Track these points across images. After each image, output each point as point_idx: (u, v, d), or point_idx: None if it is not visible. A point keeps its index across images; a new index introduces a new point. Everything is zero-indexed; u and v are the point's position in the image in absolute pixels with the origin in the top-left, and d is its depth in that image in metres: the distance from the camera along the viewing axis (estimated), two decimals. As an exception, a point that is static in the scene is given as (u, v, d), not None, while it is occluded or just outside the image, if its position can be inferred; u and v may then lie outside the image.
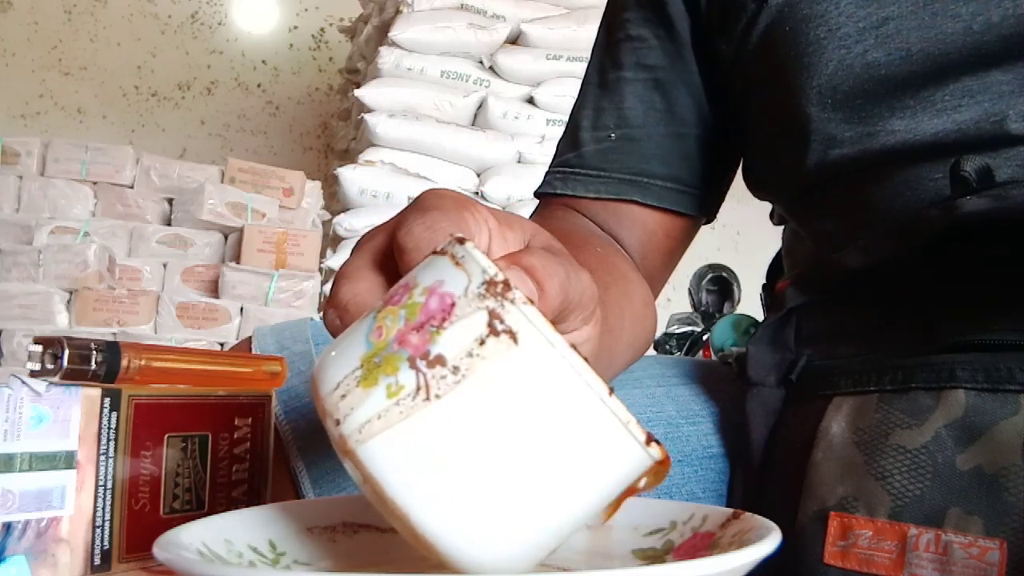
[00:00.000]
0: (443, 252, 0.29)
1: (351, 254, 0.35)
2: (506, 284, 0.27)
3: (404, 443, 0.26)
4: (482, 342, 0.26)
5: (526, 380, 0.27)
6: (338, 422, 0.27)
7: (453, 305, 0.27)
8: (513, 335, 0.27)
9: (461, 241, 0.29)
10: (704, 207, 0.64)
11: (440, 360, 0.26)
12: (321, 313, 2.39)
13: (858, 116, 0.50)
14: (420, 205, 0.33)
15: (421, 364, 0.27)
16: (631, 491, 0.30)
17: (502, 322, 0.27)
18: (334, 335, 0.33)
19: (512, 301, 0.27)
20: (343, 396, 0.27)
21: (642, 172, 0.61)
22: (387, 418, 0.26)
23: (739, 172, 0.66)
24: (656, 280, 0.65)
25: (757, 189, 0.62)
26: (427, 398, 0.26)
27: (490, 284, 0.27)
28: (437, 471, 0.26)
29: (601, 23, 0.67)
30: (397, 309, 0.28)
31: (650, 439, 0.28)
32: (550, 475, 0.27)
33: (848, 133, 0.50)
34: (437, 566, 0.28)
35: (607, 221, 0.63)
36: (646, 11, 0.62)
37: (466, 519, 0.27)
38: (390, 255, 0.33)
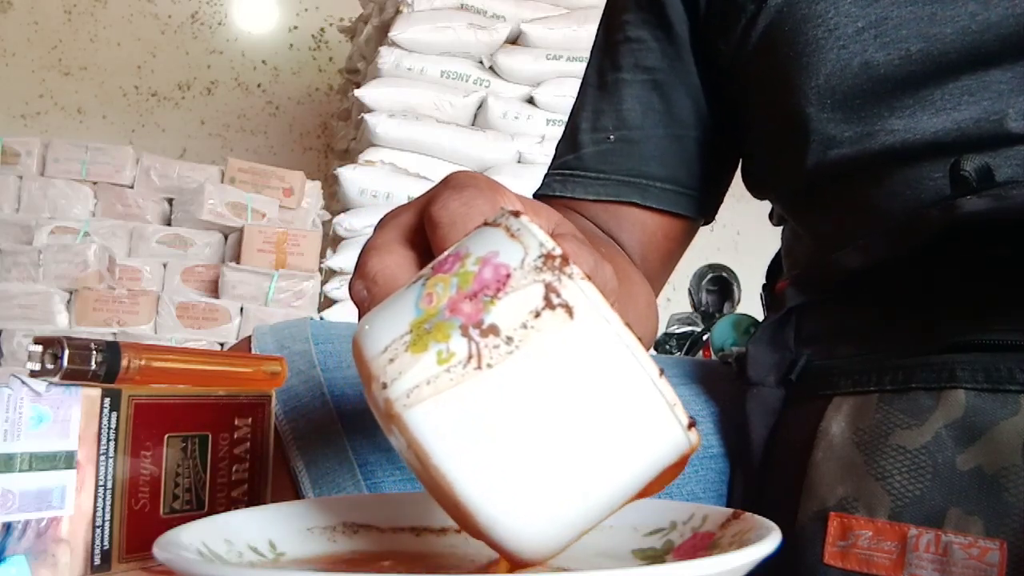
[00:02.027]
0: (496, 224, 0.29)
1: (377, 229, 0.34)
2: (564, 258, 0.27)
3: (452, 410, 0.26)
4: (537, 314, 0.27)
5: (580, 355, 0.27)
6: (385, 385, 0.27)
7: (508, 276, 0.27)
8: (569, 309, 0.27)
9: (516, 215, 0.29)
10: (703, 208, 0.64)
11: (493, 330, 0.27)
12: (321, 314, 2.39)
13: (857, 116, 0.50)
14: (453, 183, 0.33)
15: (474, 332, 0.27)
16: (662, 477, 0.30)
17: (558, 296, 0.27)
18: (359, 306, 0.33)
19: (570, 276, 0.27)
20: (391, 360, 0.27)
21: (641, 174, 0.61)
22: (436, 384, 0.26)
23: (738, 172, 0.66)
24: (655, 281, 0.65)
25: (756, 189, 0.62)
26: (478, 367, 0.26)
27: (548, 257, 0.27)
28: (485, 440, 0.26)
29: (600, 24, 0.67)
30: (448, 277, 0.28)
31: (692, 424, 0.28)
32: (595, 450, 0.27)
33: (847, 133, 0.50)
34: (439, 566, 0.28)
35: (607, 222, 0.63)
36: (645, 13, 0.62)
37: (510, 490, 0.27)
38: (418, 232, 0.33)
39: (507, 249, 0.28)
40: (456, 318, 0.27)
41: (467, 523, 0.28)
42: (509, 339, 0.26)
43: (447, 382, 0.26)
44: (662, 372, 0.27)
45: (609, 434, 0.27)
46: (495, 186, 0.33)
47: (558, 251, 0.27)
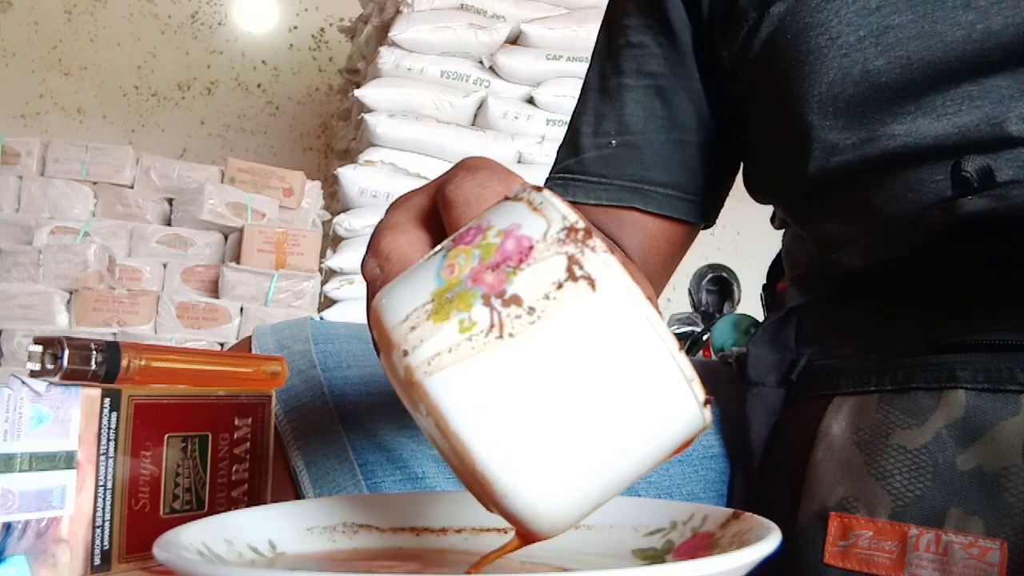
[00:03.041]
0: (518, 198, 0.29)
1: (389, 211, 0.35)
2: (587, 231, 0.27)
3: (473, 378, 0.27)
4: (560, 286, 0.27)
5: (601, 327, 0.27)
6: (406, 353, 0.27)
7: (531, 248, 0.27)
8: (592, 281, 0.27)
9: (538, 189, 0.29)
10: (704, 213, 0.64)
11: (516, 300, 0.27)
12: (321, 314, 2.39)
13: (859, 123, 0.50)
14: (467, 166, 0.33)
15: (496, 302, 0.27)
16: (673, 452, 0.30)
17: (581, 268, 0.27)
18: (371, 285, 0.33)
19: (593, 249, 0.27)
20: (412, 327, 0.27)
21: (643, 179, 0.61)
22: (458, 352, 0.27)
23: (739, 174, 0.66)
24: (656, 284, 0.65)
25: (758, 194, 0.62)
26: (500, 336, 0.27)
27: (571, 230, 0.28)
28: (505, 409, 0.26)
29: (601, 28, 0.67)
30: (470, 248, 0.28)
31: (708, 402, 0.28)
32: (612, 422, 0.27)
33: (849, 140, 0.50)
34: (439, 566, 0.28)
35: (608, 226, 0.63)
36: (647, 18, 0.62)
37: (529, 459, 0.27)
38: (431, 214, 0.33)
39: (530, 222, 0.28)
40: (478, 288, 0.27)
41: (484, 493, 0.28)
42: (531, 309, 0.27)
43: (468, 351, 0.27)
44: (682, 347, 0.27)
45: (627, 406, 0.27)
46: (508, 171, 0.34)
47: (581, 224, 0.28)
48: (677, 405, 0.28)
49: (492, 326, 0.27)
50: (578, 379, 0.27)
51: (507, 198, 0.30)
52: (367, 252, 0.34)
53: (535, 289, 0.27)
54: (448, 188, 0.32)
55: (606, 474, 0.28)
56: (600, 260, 0.27)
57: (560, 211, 0.28)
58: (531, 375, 0.27)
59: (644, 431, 0.28)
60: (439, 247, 0.30)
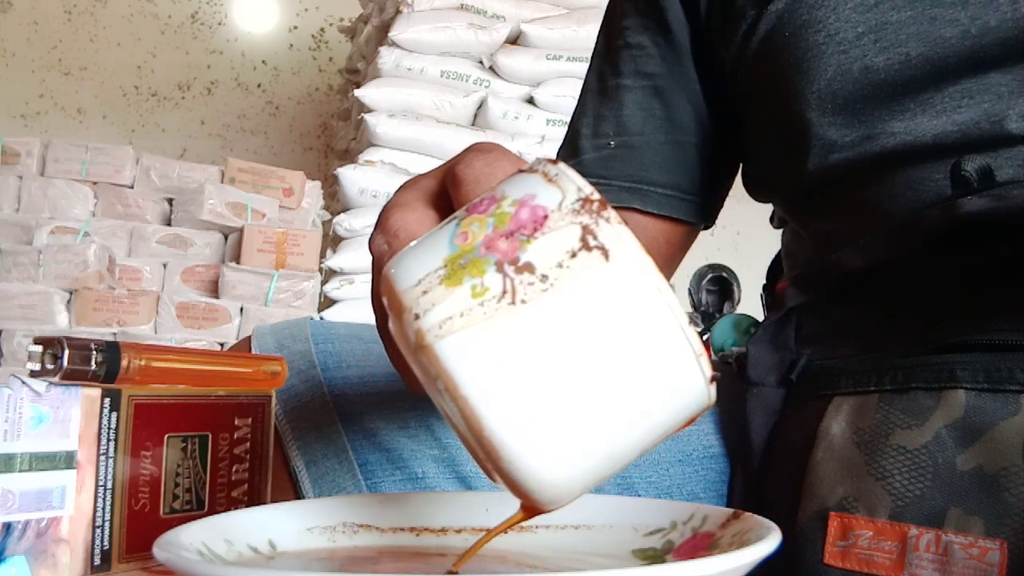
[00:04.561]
0: (533, 170, 0.29)
1: (398, 192, 0.35)
2: (602, 203, 0.28)
3: (484, 343, 0.27)
4: (573, 255, 0.27)
5: (613, 296, 0.27)
6: (417, 316, 0.27)
7: (546, 217, 0.28)
8: (605, 251, 0.27)
9: (553, 162, 0.29)
10: (704, 213, 0.64)
11: (529, 267, 0.27)
12: (321, 314, 2.39)
13: (858, 120, 0.50)
14: (477, 147, 0.34)
15: (509, 269, 0.27)
16: (678, 428, 0.30)
17: (595, 238, 0.27)
18: (379, 260, 0.33)
19: (607, 220, 0.27)
20: (424, 292, 0.28)
21: (642, 180, 0.62)
22: (469, 317, 0.27)
23: (738, 174, 0.66)
24: None
25: (757, 193, 0.62)
26: (512, 302, 0.27)
27: (586, 201, 0.28)
28: (514, 374, 0.27)
29: (600, 30, 0.67)
30: (484, 217, 0.28)
31: (715, 378, 0.28)
32: (621, 393, 0.27)
33: (848, 137, 0.50)
34: (439, 565, 0.28)
35: None
36: (645, 19, 0.62)
37: (536, 426, 0.27)
38: (440, 196, 0.34)
39: (545, 192, 0.28)
40: (492, 255, 0.27)
41: (490, 459, 0.28)
42: (544, 277, 0.27)
43: (480, 316, 0.27)
44: (691, 321, 0.27)
45: (635, 377, 0.27)
46: (517, 156, 0.34)
47: (596, 195, 0.28)
48: (685, 378, 0.28)
49: (505, 292, 0.27)
50: (588, 348, 0.27)
51: (521, 171, 0.30)
52: (375, 228, 0.34)
53: (549, 257, 0.27)
54: (459, 167, 0.33)
55: (611, 444, 0.28)
56: (614, 231, 0.27)
57: (575, 182, 0.28)
58: (542, 342, 0.27)
59: (651, 403, 0.28)
60: (452, 216, 0.30)
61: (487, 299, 0.27)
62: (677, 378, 0.28)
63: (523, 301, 0.27)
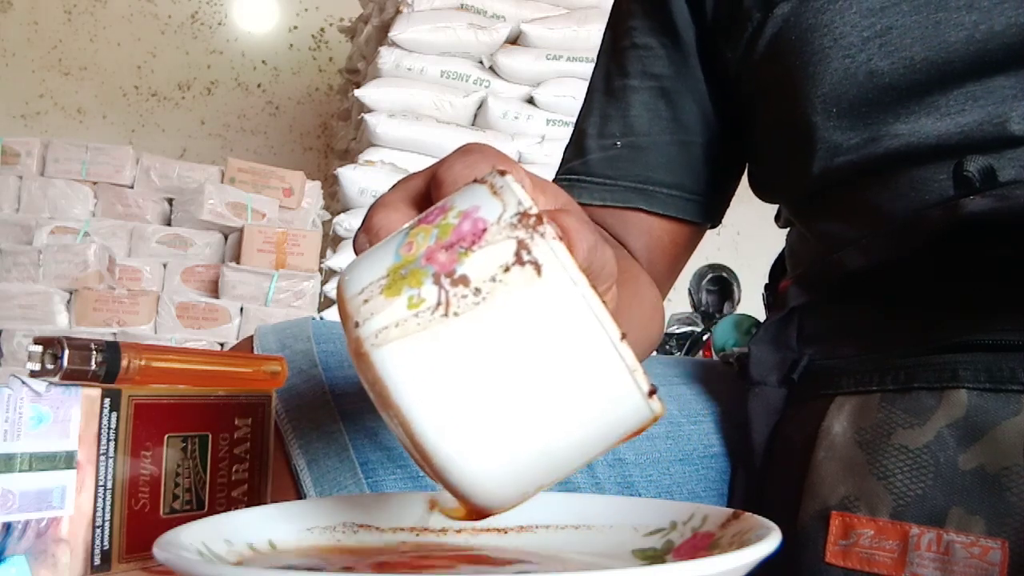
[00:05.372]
0: (483, 181, 0.30)
1: (389, 190, 0.36)
2: (539, 218, 0.28)
3: (416, 353, 0.27)
4: (507, 269, 0.27)
5: (543, 312, 0.27)
6: (357, 324, 0.28)
7: (485, 230, 0.28)
8: (538, 267, 0.27)
9: (502, 173, 0.30)
10: (709, 214, 0.64)
11: (464, 280, 0.27)
12: (321, 314, 2.39)
13: (863, 123, 0.50)
14: (463, 149, 0.34)
15: (445, 281, 0.28)
16: (625, 439, 0.30)
17: (529, 253, 0.28)
18: None
19: (542, 235, 0.28)
20: (365, 301, 0.28)
21: (648, 180, 0.62)
22: (404, 327, 0.27)
23: (744, 174, 0.66)
24: (662, 285, 0.65)
25: (762, 193, 0.62)
26: (445, 314, 0.27)
27: (523, 216, 0.28)
28: (444, 384, 0.27)
29: (606, 30, 0.67)
30: (430, 227, 0.29)
31: (653, 391, 0.28)
32: (552, 406, 0.28)
33: (853, 140, 0.50)
34: (438, 565, 0.28)
35: (613, 227, 0.63)
36: (652, 20, 0.62)
37: (464, 433, 0.27)
38: (425, 195, 0.34)
39: (488, 205, 0.29)
40: (431, 266, 0.28)
41: (426, 464, 0.28)
42: (477, 290, 0.27)
43: (414, 326, 0.27)
44: (624, 336, 0.28)
45: (566, 391, 0.28)
46: (504, 158, 0.34)
47: (535, 210, 0.28)
48: (618, 393, 0.28)
49: (439, 304, 0.27)
50: (518, 361, 0.27)
51: (474, 180, 0.31)
52: (360, 227, 0.35)
53: (483, 271, 0.27)
54: (440, 168, 0.33)
55: (546, 455, 0.28)
56: (548, 247, 0.28)
57: (517, 196, 0.29)
58: (472, 354, 0.27)
59: (584, 416, 0.28)
60: (406, 224, 0.31)
61: (422, 310, 0.27)
62: (610, 393, 0.28)
63: (456, 314, 0.27)
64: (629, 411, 0.29)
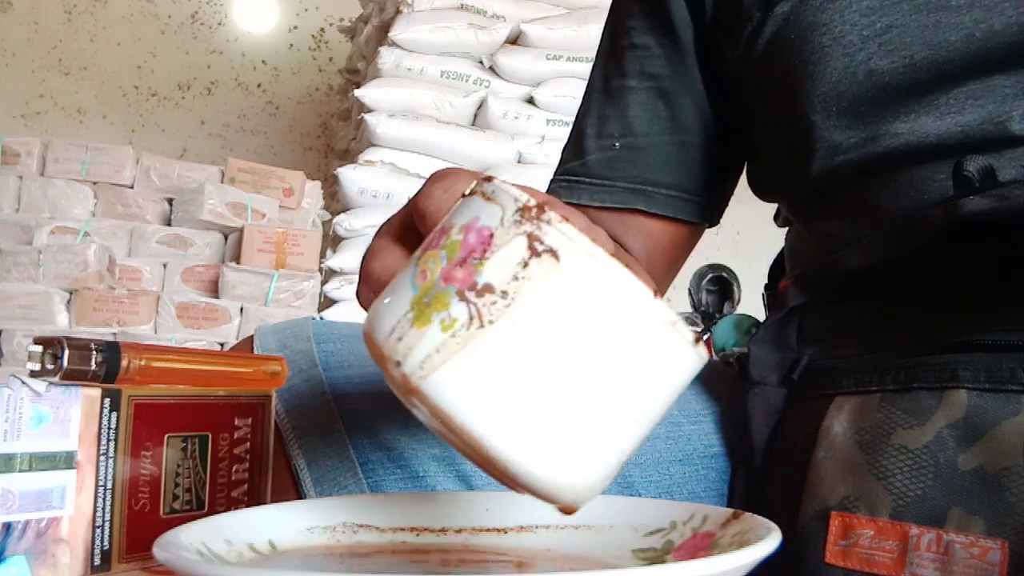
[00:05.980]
0: (473, 193, 0.30)
1: (373, 238, 0.36)
2: (540, 207, 0.28)
3: (466, 371, 0.27)
4: (525, 264, 0.27)
5: (572, 293, 0.27)
6: (398, 363, 0.28)
7: (491, 236, 0.28)
8: (554, 253, 0.27)
9: (489, 179, 0.30)
10: (708, 214, 0.64)
11: (488, 288, 0.27)
12: (320, 314, 2.39)
13: (862, 122, 0.50)
14: (435, 176, 0.35)
15: (470, 295, 0.28)
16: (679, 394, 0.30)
17: (541, 243, 0.28)
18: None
19: (548, 222, 0.28)
20: (399, 339, 0.28)
21: (646, 181, 0.62)
22: (445, 351, 0.27)
23: (743, 173, 0.66)
24: (660, 284, 0.66)
25: (761, 193, 0.62)
26: (481, 325, 0.27)
27: (524, 210, 0.28)
28: (501, 392, 0.27)
29: (605, 30, 0.67)
30: (437, 251, 0.29)
31: (698, 339, 0.29)
32: (609, 381, 0.28)
33: (852, 139, 0.50)
34: (438, 565, 0.28)
35: (612, 228, 0.63)
36: (650, 19, 0.62)
37: (536, 436, 0.27)
38: (410, 230, 0.34)
39: (486, 212, 0.29)
40: (451, 286, 0.28)
41: (506, 477, 0.28)
42: (504, 293, 0.27)
43: (455, 346, 0.27)
44: (656, 292, 0.28)
45: (618, 363, 0.28)
46: (476, 173, 0.34)
47: (532, 202, 0.28)
48: (667, 349, 0.28)
49: (471, 318, 0.27)
50: (564, 347, 0.27)
51: (464, 195, 0.31)
52: (359, 282, 0.35)
53: (503, 273, 0.28)
54: (419, 200, 0.34)
55: (615, 433, 0.28)
56: (558, 231, 0.28)
57: (512, 194, 0.29)
58: (519, 355, 0.27)
59: (640, 381, 0.28)
60: (412, 257, 0.31)
61: (457, 329, 0.27)
62: (659, 349, 0.28)
63: (491, 322, 0.27)
64: (681, 364, 0.29)
